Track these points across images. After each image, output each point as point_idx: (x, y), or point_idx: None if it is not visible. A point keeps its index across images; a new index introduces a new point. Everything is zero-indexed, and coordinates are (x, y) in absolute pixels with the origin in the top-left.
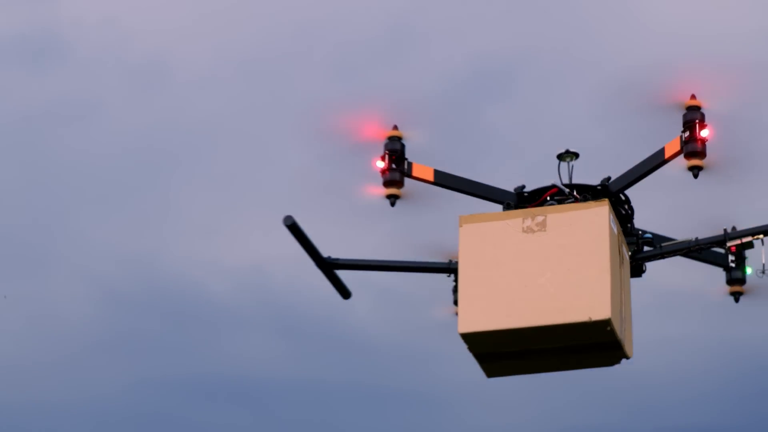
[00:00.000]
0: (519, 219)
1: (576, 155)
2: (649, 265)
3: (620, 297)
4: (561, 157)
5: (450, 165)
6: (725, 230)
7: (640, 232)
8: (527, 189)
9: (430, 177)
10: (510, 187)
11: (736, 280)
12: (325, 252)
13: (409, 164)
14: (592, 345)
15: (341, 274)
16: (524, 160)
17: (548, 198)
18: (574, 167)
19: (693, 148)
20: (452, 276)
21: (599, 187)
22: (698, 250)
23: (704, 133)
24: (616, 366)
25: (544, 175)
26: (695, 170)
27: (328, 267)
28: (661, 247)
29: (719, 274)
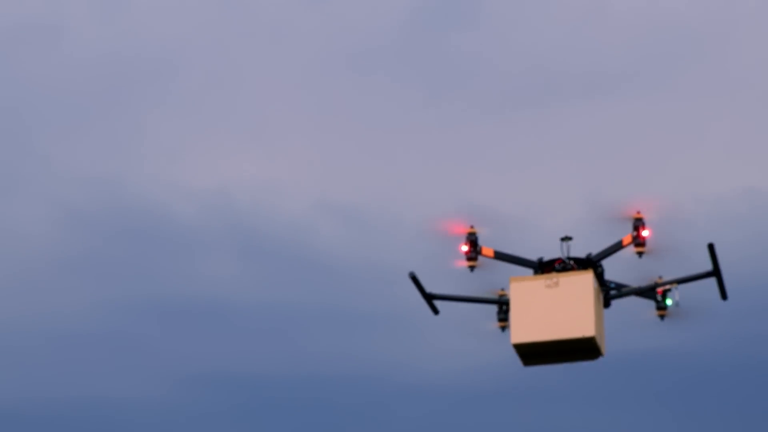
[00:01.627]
0: (543, 280)
1: (571, 238)
2: (614, 302)
3: (599, 322)
4: (562, 239)
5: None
6: (655, 281)
7: (608, 282)
8: (545, 259)
9: (492, 255)
10: (535, 258)
11: (661, 308)
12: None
13: (480, 247)
14: (584, 348)
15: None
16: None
17: (556, 265)
18: (570, 246)
19: (638, 242)
20: (497, 307)
21: (585, 258)
22: (641, 292)
23: (645, 234)
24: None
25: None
26: (639, 254)
27: (430, 297)
28: (620, 291)
29: (652, 304)
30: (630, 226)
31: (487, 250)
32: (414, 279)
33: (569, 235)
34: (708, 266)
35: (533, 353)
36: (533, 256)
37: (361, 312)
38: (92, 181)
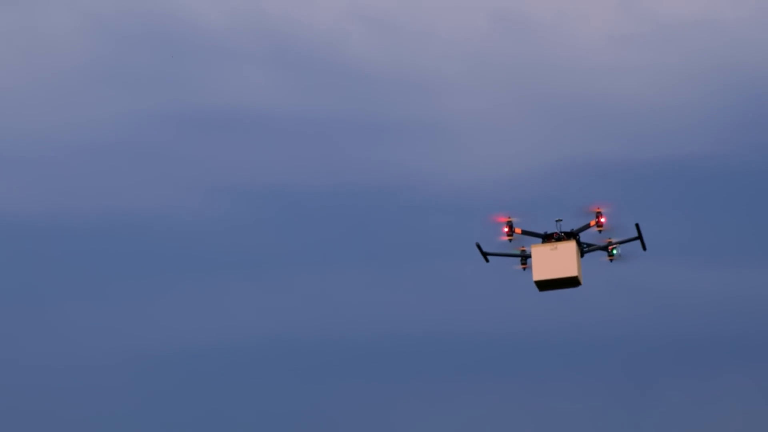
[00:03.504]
0: (549, 246)
1: (561, 220)
2: (587, 254)
3: (579, 267)
4: (557, 221)
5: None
6: (608, 242)
7: (583, 244)
8: (548, 232)
9: (520, 232)
10: (542, 232)
11: (611, 255)
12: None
13: (514, 228)
14: (571, 282)
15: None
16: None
17: (554, 236)
18: (561, 224)
19: (598, 224)
20: (520, 258)
21: (570, 232)
22: (599, 249)
23: (603, 220)
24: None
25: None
26: (599, 231)
27: (485, 254)
28: (589, 248)
29: (605, 254)
30: (594, 215)
31: (518, 229)
32: (478, 246)
33: (560, 218)
34: (635, 233)
35: (544, 284)
36: (542, 231)
37: (394, 120)
38: None
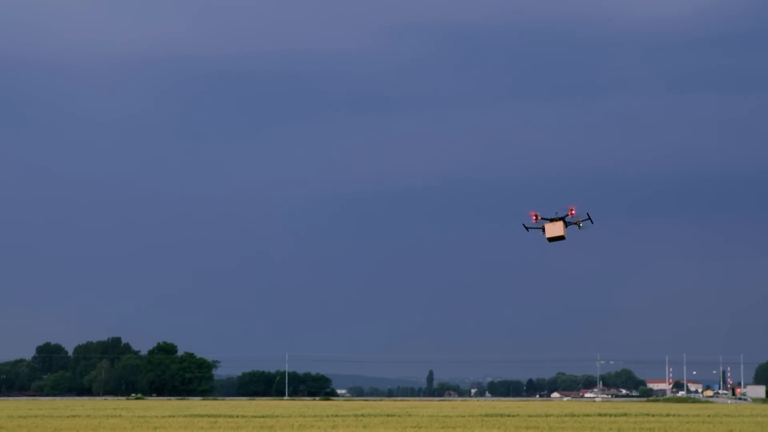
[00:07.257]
0: (552, 223)
1: (558, 212)
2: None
3: (564, 231)
4: (555, 213)
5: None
6: (578, 221)
7: (566, 221)
8: (552, 216)
9: (540, 218)
10: (550, 217)
11: (579, 227)
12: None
13: (538, 216)
14: (561, 238)
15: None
16: None
17: (554, 219)
18: (558, 213)
19: (572, 214)
20: (541, 229)
21: (560, 217)
22: (573, 224)
23: (573, 212)
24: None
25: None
26: (572, 216)
27: (526, 227)
28: (568, 224)
29: (575, 227)
30: (569, 210)
31: (539, 216)
32: (524, 225)
33: (557, 211)
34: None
35: (550, 239)
36: (550, 216)
37: None
38: None
